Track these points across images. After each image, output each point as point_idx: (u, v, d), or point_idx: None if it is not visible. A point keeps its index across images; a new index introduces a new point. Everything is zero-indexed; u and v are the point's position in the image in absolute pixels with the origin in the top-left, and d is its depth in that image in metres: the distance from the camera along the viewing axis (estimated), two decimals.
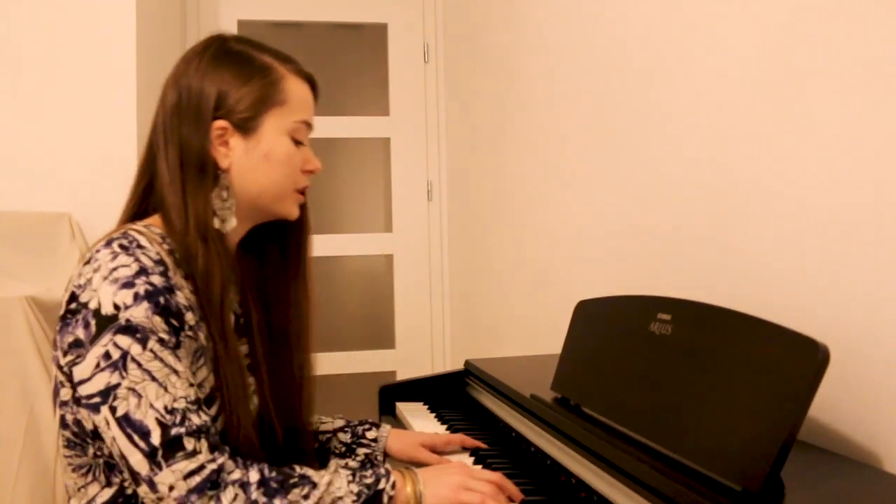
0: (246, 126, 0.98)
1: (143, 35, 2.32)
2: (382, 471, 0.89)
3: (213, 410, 0.93)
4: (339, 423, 1.22)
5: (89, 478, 0.92)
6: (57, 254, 2.08)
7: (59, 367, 0.91)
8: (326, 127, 2.96)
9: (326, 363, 3.03)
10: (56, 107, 2.23)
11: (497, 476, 0.92)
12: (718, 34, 1.10)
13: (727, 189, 1.08)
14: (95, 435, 0.90)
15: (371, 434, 1.20)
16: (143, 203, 1.01)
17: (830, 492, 0.72)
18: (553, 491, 0.95)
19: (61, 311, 0.90)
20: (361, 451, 1.19)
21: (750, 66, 1.03)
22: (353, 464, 0.90)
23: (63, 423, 0.92)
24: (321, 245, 3.07)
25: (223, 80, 0.98)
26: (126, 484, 0.91)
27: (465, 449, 1.15)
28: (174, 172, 0.96)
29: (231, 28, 2.87)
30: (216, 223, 0.97)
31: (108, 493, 0.91)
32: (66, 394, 0.91)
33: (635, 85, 1.36)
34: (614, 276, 1.45)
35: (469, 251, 2.65)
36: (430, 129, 3.01)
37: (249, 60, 1.00)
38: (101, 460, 0.91)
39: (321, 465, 1.19)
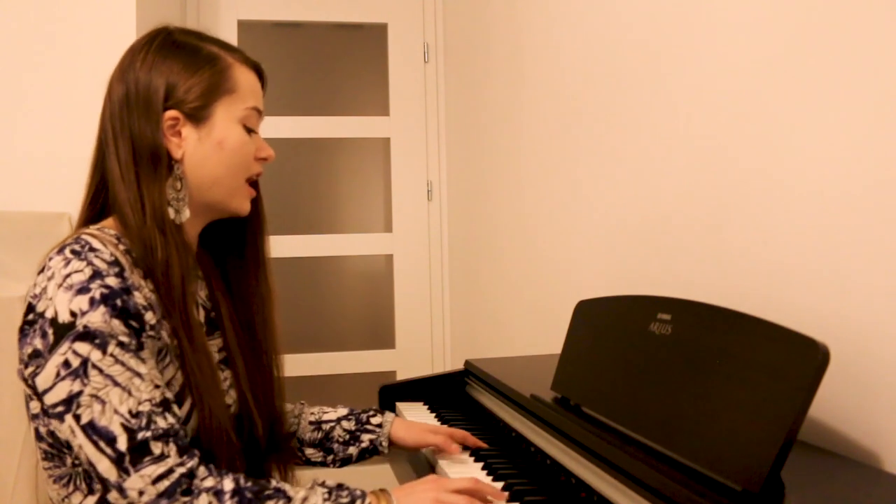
0: (198, 115, 0.99)
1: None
2: (358, 492, 0.88)
3: (185, 407, 0.92)
4: (343, 411, 1.22)
5: (71, 487, 0.91)
6: None
7: (24, 380, 0.90)
8: (327, 127, 2.97)
9: (326, 363, 3.04)
10: (56, 107, 2.23)
11: (470, 481, 0.91)
12: (720, 35, 1.10)
13: (727, 189, 1.07)
14: (70, 444, 0.88)
15: (375, 420, 1.20)
16: (96, 204, 1.01)
17: (830, 492, 0.72)
18: (553, 491, 0.95)
19: (20, 323, 0.89)
20: (366, 437, 1.19)
21: (752, 66, 1.03)
22: (329, 482, 0.90)
23: (38, 436, 0.91)
24: (321, 245, 3.09)
25: (171, 70, 0.98)
26: None
27: (465, 448, 1.15)
28: (127, 166, 0.95)
29: (231, 28, 2.87)
30: (171, 214, 0.96)
31: (91, 500, 0.90)
32: (35, 406, 0.90)
33: (635, 85, 1.36)
34: (614, 276, 1.45)
35: (469, 251, 2.65)
36: (430, 129, 3.01)
37: (196, 51, 1.01)
38: (80, 469, 0.90)
39: (324, 454, 1.20)
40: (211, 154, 0.99)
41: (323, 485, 0.88)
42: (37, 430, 0.92)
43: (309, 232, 2.94)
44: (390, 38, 3.00)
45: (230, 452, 0.95)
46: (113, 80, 1.01)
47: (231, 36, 2.87)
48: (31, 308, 0.88)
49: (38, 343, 0.85)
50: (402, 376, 2.49)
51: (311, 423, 1.22)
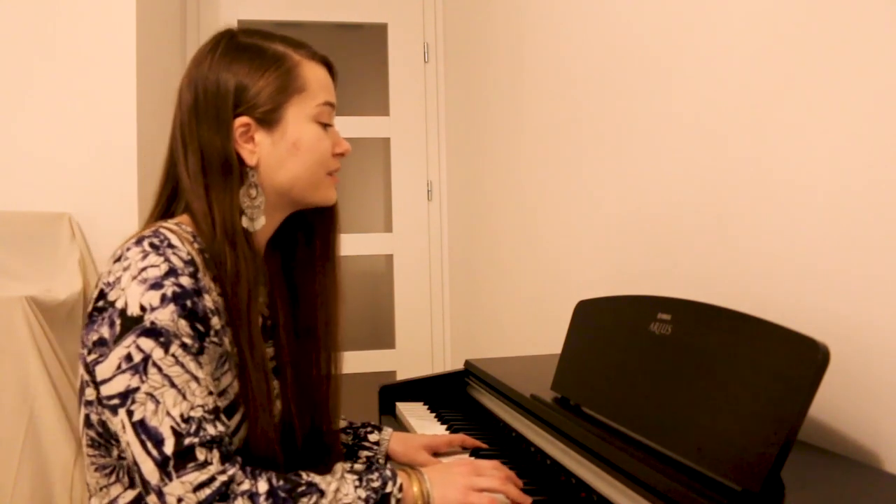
0: (269, 119, 0.97)
1: (144, 35, 2.32)
2: (388, 472, 0.88)
3: (236, 417, 0.92)
4: (342, 423, 1.21)
5: (112, 478, 0.91)
6: (57, 254, 2.08)
7: (85, 366, 0.89)
8: None
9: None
10: (56, 107, 2.23)
11: (500, 467, 0.92)
12: (719, 34, 1.10)
13: (727, 189, 1.07)
14: (119, 438, 0.88)
15: (373, 437, 1.19)
16: (168, 209, 1.00)
17: (830, 492, 0.72)
18: (553, 491, 0.95)
19: (89, 308, 0.88)
20: (363, 453, 1.18)
21: (751, 66, 1.03)
22: (358, 466, 0.89)
23: (87, 423, 0.91)
24: None
25: (238, 74, 0.96)
26: None
27: (465, 449, 1.15)
28: (196, 177, 0.94)
29: None
30: (244, 222, 0.95)
31: (130, 494, 0.90)
32: (90, 394, 0.90)
33: (635, 85, 1.36)
34: (614, 276, 1.45)
35: (469, 251, 2.65)
36: (430, 129, 3.01)
37: (261, 52, 0.98)
38: (124, 462, 0.90)
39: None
40: (287, 156, 0.97)
41: (352, 470, 0.88)
42: (87, 417, 0.91)
43: None
44: (390, 38, 3.00)
45: (272, 465, 0.94)
46: (181, 87, 0.98)
47: None
48: (102, 295, 0.87)
49: (104, 331, 0.85)
50: (402, 376, 2.49)
51: None
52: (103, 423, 0.90)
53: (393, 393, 1.45)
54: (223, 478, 0.81)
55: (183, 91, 0.98)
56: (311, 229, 1.09)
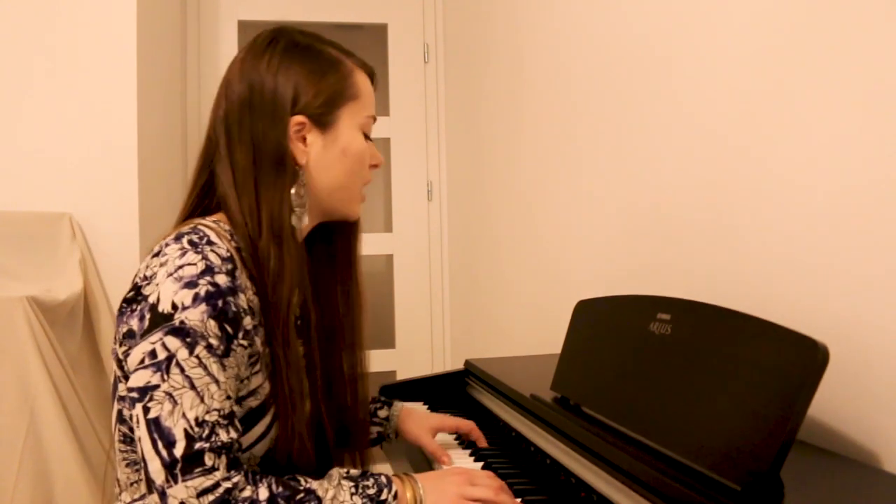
0: (323, 121, 0.97)
1: (144, 35, 2.32)
2: (384, 479, 0.89)
3: (267, 419, 0.92)
4: None
5: (142, 474, 0.90)
6: (57, 254, 2.08)
7: (117, 361, 0.90)
8: None
9: None
10: (56, 107, 2.23)
11: (494, 477, 0.92)
12: (719, 34, 1.10)
13: (727, 189, 1.08)
14: None
15: (383, 413, 1.20)
16: (202, 201, 1.00)
17: (830, 492, 0.72)
18: (553, 490, 0.95)
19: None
20: (374, 429, 1.19)
21: (752, 65, 1.03)
22: (354, 472, 0.90)
23: (120, 418, 0.92)
24: None
25: (298, 74, 0.96)
26: None
27: (465, 448, 1.15)
28: (245, 172, 0.94)
29: (231, 28, 2.87)
30: (294, 220, 0.95)
31: None
32: (122, 389, 0.90)
33: (635, 85, 1.36)
34: (614, 276, 1.45)
35: (469, 251, 2.65)
36: (430, 129, 3.01)
37: (320, 55, 0.99)
38: None
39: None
40: (335, 161, 0.98)
41: (348, 476, 0.89)
42: (119, 413, 0.92)
43: None
44: (390, 39, 3.00)
45: (304, 461, 0.95)
46: (230, 81, 0.98)
47: (232, 36, 2.87)
48: (136, 287, 0.88)
49: (134, 324, 0.85)
50: (402, 376, 2.49)
51: None
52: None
53: (393, 393, 1.46)
54: (227, 485, 0.81)
55: (233, 85, 0.97)
56: (331, 241, 1.10)
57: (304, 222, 0.97)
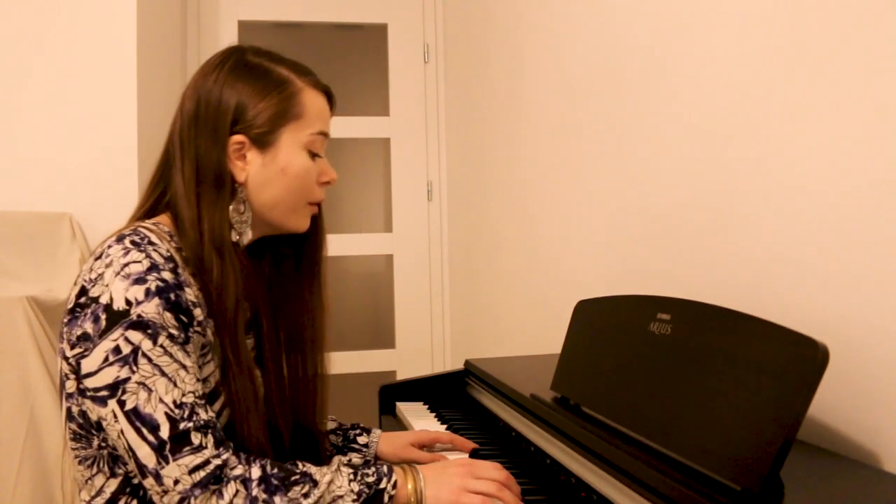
0: (263, 140, 0.99)
1: (144, 36, 2.32)
2: (384, 469, 0.89)
3: (216, 405, 0.94)
4: (332, 425, 1.23)
5: (94, 469, 0.93)
6: (57, 254, 2.08)
7: (66, 359, 0.91)
8: None
9: None
10: (57, 107, 2.23)
11: (499, 470, 0.92)
12: (719, 35, 1.10)
13: (727, 189, 1.08)
14: (100, 426, 0.91)
15: (362, 440, 1.20)
16: (155, 207, 1.02)
17: (830, 492, 0.72)
18: (553, 490, 0.95)
19: (69, 305, 0.91)
20: (353, 455, 1.19)
21: (750, 67, 1.03)
22: (356, 460, 0.91)
23: (69, 416, 0.93)
24: None
25: (241, 93, 0.98)
26: (132, 474, 0.92)
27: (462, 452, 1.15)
28: (189, 185, 0.96)
29: (231, 28, 2.87)
30: (234, 236, 0.98)
31: (113, 483, 0.92)
32: (71, 386, 0.92)
33: (635, 85, 1.36)
34: (614, 276, 1.45)
35: (469, 251, 2.65)
36: (430, 129, 3.01)
37: (267, 74, 1.01)
38: (104, 451, 0.92)
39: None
40: (273, 179, 1.00)
41: (349, 464, 0.90)
42: (69, 410, 0.93)
43: None
44: (390, 39, 3.00)
45: (258, 453, 0.96)
46: (185, 95, 1.01)
47: (232, 37, 2.87)
48: (83, 291, 0.89)
49: (88, 327, 0.87)
50: (402, 376, 2.49)
51: None
52: (83, 414, 0.91)
53: (393, 393, 1.46)
54: (217, 461, 0.84)
55: (186, 99, 1.00)
56: (298, 249, 1.11)
57: (246, 238, 1.00)
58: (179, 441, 0.83)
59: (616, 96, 1.44)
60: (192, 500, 0.82)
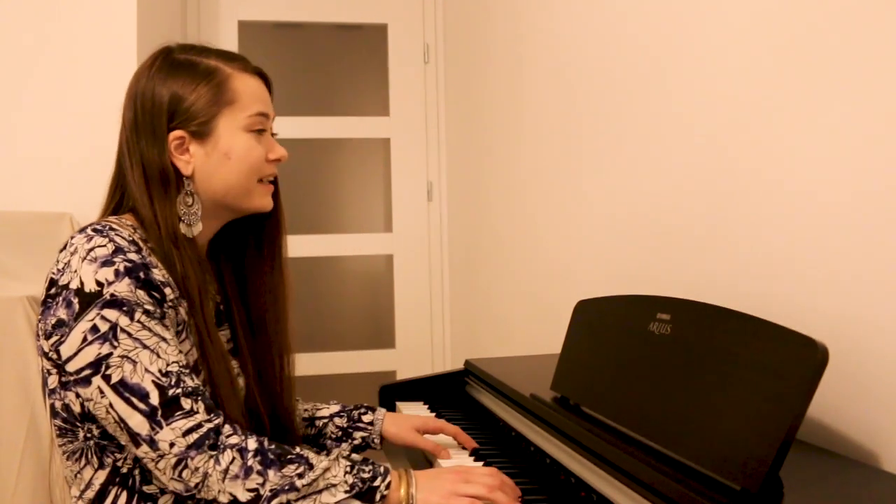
0: (202, 131, 1.01)
1: (144, 36, 2.32)
2: (381, 469, 0.90)
3: (198, 381, 0.95)
4: (335, 408, 1.24)
5: (83, 462, 0.94)
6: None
7: (45, 355, 0.93)
8: (327, 127, 2.97)
9: (327, 363, 3.04)
10: (57, 107, 2.23)
11: (493, 475, 0.91)
12: (720, 35, 1.10)
13: (727, 189, 1.08)
14: (84, 417, 0.92)
15: (367, 418, 1.21)
16: (115, 211, 1.05)
17: (829, 491, 0.72)
18: (553, 490, 0.95)
19: (41, 298, 0.92)
20: (358, 434, 1.21)
21: (751, 66, 1.03)
22: (355, 456, 0.91)
23: (53, 412, 0.94)
24: (321, 245, 3.09)
25: (172, 89, 1.01)
26: (119, 463, 0.93)
27: (464, 448, 1.16)
28: (140, 187, 1.00)
29: (231, 28, 2.88)
30: (183, 228, 1.00)
31: (102, 474, 0.93)
32: (52, 381, 0.93)
33: (635, 85, 1.36)
34: (614, 276, 1.46)
35: (469, 251, 2.66)
36: (430, 129, 3.01)
37: (194, 66, 1.03)
38: (91, 442, 0.93)
39: (317, 450, 1.21)
40: (219, 166, 1.02)
41: (348, 458, 0.90)
42: (52, 406, 0.94)
43: (309, 232, 2.94)
44: (390, 39, 3.00)
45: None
46: (124, 105, 1.04)
47: (232, 37, 2.87)
48: (52, 283, 0.91)
49: (61, 313, 0.88)
50: (402, 376, 2.49)
51: (304, 419, 1.24)
52: (67, 408, 0.93)
53: (393, 392, 1.46)
54: (210, 425, 0.86)
55: (125, 108, 1.04)
56: (258, 233, 1.14)
57: (196, 229, 1.02)
58: (170, 406, 0.85)
59: (616, 96, 1.44)
60: (189, 462, 0.84)
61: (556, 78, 1.75)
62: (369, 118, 3.01)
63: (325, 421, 1.22)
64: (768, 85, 0.99)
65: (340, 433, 1.21)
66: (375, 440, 1.20)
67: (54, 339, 0.89)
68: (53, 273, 0.91)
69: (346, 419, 1.22)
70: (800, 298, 0.92)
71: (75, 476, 0.95)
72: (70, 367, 0.87)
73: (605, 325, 1.06)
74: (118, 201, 1.04)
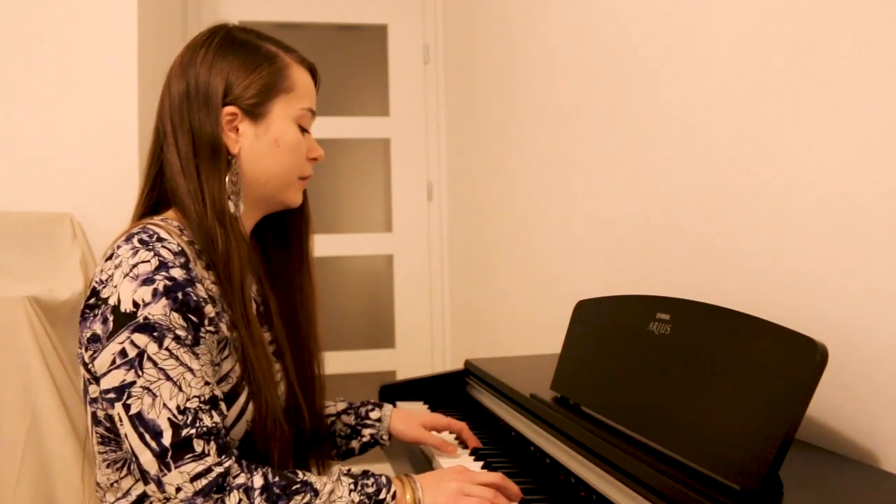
0: (255, 112, 1.00)
1: (145, 36, 2.32)
2: (384, 479, 0.89)
3: (241, 399, 0.94)
4: (342, 405, 1.24)
5: (124, 472, 0.94)
6: (58, 254, 2.09)
7: (84, 365, 0.92)
8: (326, 127, 2.96)
9: (327, 363, 3.02)
10: (57, 107, 2.23)
11: (497, 476, 0.92)
12: (718, 37, 1.10)
13: (727, 189, 1.08)
14: None
15: (374, 414, 1.21)
16: (154, 194, 1.02)
17: (829, 491, 0.73)
18: (553, 490, 0.96)
19: (81, 307, 0.91)
20: (366, 431, 1.20)
21: (750, 67, 1.03)
22: (355, 470, 0.91)
23: (95, 420, 0.94)
24: (321, 245, 3.06)
25: (231, 68, 1.00)
26: None
27: (464, 448, 1.16)
28: (187, 159, 0.97)
29: None
30: (231, 207, 0.98)
31: (141, 486, 0.93)
32: (94, 391, 0.92)
33: (634, 86, 1.36)
34: (614, 276, 1.46)
35: (469, 251, 2.66)
36: (430, 129, 3.01)
37: (255, 49, 1.03)
38: None
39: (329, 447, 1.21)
40: (267, 151, 1.01)
41: (348, 473, 0.90)
42: (94, 415, 0.94)
43: None
44: (390, 40, 3.00)
45: (283, 443, 0.98)
46: (172, 76, 1.02)
47: None
48: (94, 292, 0.90)
49: (97, 328, 0.87)
50: (402, 376, 2.49)
51: None
52: (110, 418, 0.91)
53: (393, 392, 1.46)
54: (220, 469, 0.84)
55: (173, 78, 1.01)
56: (284, 230, 1.13)
57: (240, 209, 1.00)
58: (181, 448, 0.83)
59: (615, 96, 1.44)
60: None
61: (555, 78, 1.75)
62: (369, 118, 3.01)
63: (333, 419, 1.22)
64: (767, 85, 0.99)
65: (349, 430, 1.21)
66: (384, 437, 1.20)
67: (90, 352, 0.89)
68: (96, 283, 0.90)
69: (353, 416, 1.22)
70: (799, 298, 0.92)
71: (112, 484, 0.95)
72: (101, 385, 0.87)
73: (605, 325, 1.06)
74: (154, 178, 1.01)
